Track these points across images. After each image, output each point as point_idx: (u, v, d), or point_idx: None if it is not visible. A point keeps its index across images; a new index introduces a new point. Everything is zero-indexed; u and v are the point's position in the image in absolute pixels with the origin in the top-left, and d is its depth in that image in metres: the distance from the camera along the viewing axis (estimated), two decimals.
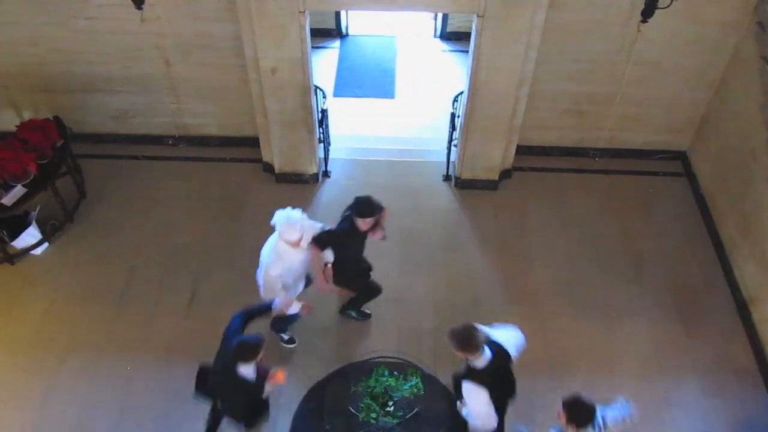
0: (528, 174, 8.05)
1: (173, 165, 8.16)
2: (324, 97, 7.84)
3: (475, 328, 4.51)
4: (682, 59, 7.18)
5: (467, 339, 4.48)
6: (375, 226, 5.56)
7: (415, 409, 4.95)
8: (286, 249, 5.38)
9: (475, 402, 4.53)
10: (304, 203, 7.62)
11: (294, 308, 5.50)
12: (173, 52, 7.35)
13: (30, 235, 7.00)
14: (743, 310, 6.61)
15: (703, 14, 6.75)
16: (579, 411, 4.36)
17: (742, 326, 6.56)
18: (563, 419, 4.39)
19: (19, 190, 6.73)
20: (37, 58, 7.49)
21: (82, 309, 6.60)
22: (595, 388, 6.02)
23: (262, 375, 4.81)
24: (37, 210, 7.10)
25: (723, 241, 7.16)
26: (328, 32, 10.31)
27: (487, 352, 4.51)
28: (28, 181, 6.77)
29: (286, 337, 6.28)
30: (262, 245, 5.68)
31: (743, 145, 6.86)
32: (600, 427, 4.43)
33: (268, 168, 7.94)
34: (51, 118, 7.32)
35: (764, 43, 6.43)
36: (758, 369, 6.25)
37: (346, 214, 5.57)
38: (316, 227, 5.57)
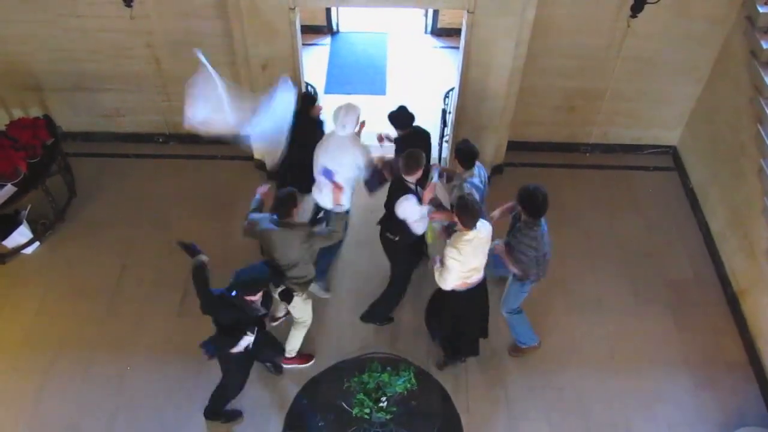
0: (519, 170, 8.07)
1: (164, 163, 8.14)
2: (315, 93, 7.83)
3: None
4: (672, 54, 7.21)
5: None
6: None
7: (409, 405, 4.96)
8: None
9: None
10: None
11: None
12: (163, 49, 7.32)
13: (21, 235, 6.97)
14: (733, 302, 6.65)
15: (692, 9, 6.78)
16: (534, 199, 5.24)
17: (732, 319, 6.61)
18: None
19: (9, 189, 6.69)
20: (27, 56, 7.45)
21: (74, 308, 6.58)
22: (587, 383, 6.09)
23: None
24: (28, 209, 7.06)
25: (713, 235, 7.20)
26: (319, 29, 10.29)
27: None
28: (18, 180, 6.74)
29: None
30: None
31: (733, 139, 6.90)
32: None
33: (260, 165, 7.92)
34: (41, 117, 7.29)
35: (753, 37, 6.46)
36: (748, 361, 6.30)
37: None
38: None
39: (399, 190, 5.63)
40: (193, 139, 8.21)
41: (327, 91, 9.27)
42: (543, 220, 5.41)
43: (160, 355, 6.23)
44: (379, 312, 6.44)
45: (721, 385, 6.13)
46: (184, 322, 6.46)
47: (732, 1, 6.69)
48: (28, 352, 6.24)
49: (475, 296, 5.56)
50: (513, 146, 7.86)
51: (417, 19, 10.58)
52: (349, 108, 5.89)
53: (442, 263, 5.19)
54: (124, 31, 7.08)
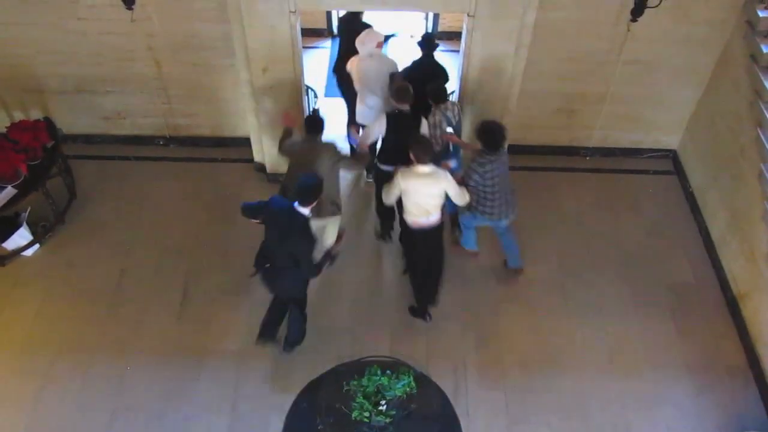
0: (519, 173, 8.03)
1: (165, 166, 8.14)
2: (315, 96, 7.85)
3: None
4: (672, 58, 7.22)
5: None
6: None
7: (408, 408, 4.96)
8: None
9: None
10: None
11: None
12: (164, 52, 7.33)
13: (21, 237, 6.97)
14: (733, 306, 6.65)
15: (692, 13, 6.79)
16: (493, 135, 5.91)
17: (732, 323, 6.60)
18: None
19: (9, 192, 6.69)
20: (28, 58, 7.46)
21: (74, 310, 6.58)
22: (587, 386, 6.09)
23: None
24: (28, 211, 7.07)
25: (713, 239, 7.20)
26: (320, 32, 10.31)
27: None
28: (18, 182, 6.74)
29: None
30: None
31: (733, 143, 6.91)
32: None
33: (260, 168, 7.93)
34: (42, 119, 7.30)
35: (753, 41, 6.47)
36: (748, 365, 6.29)
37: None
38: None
39: (400, 121, 6.26)
40: (194, 141, 8.28)
41: (327, 94, 9.26)
42: (499, 161, 6.02)
43: (159, 357, 6.23)
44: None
45: (721, 389, 6.12)
46: (183, 325, 6.47)
47: (732, 5, 6.70)
48: (28, 354, 6.24)
49: (427, 241, 6.10)
50: (513, 150, 7.82)
51: (417, 22, 10.58)
52: (369, 31, 6.91)
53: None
54: (125, 33, 7.09)
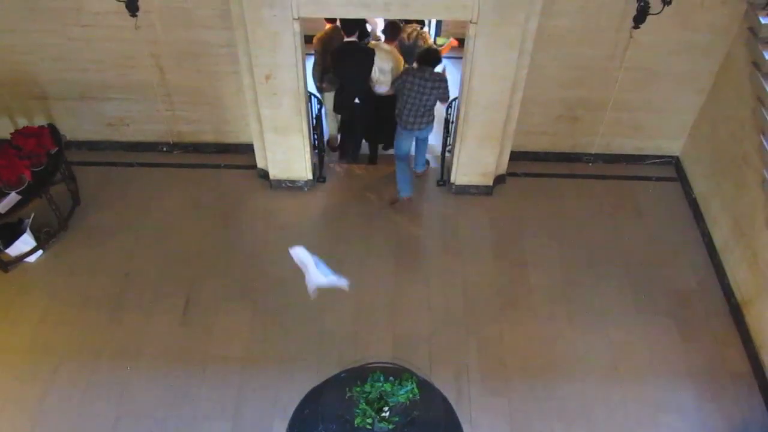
0: (522, 179, 8.08)
1: (168, 172, 8.16)
2: (319, 104, 7.86)
3: None
4: (674, 65, 7.23)
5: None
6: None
7: (411, 415, 4.94)
8: None
9: None
10: (299, 209, 7.65)
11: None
12: (167, 59, 7.36)
13: (24, 243, 6.98)
14: (737, 313, 6.64)
15: (694, 20, 6.80)
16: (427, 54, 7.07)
17: (736, 330, 6.59)
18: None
19: (13, 198, 6.71)
20: (32, 65, 7.49)
21: (77, 316, 6.58)
22: (590, 393, 6.08)
23: None
24: (32, 217, 7.09)
25: (716, 245, 7.19)
26: None
27: None
28: (22, 188, 6.76)
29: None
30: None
31: (735, 150, 6.91)
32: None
33: (263, 174, 7.94)
34: (46, 126, 7.31)
35: (755, 48, 6.48)
36: (752, 372, 6.27)
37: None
38: None
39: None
40: (197, 148, 8.30)
41: None
42: (419, 78, 6.97)
43: (163, 363, 6.23)
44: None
45: (725, 396, 6.10)
46: (187, 330, 6.47)
47: (734, 12, 6.71)
48: (32, 360, 6.24)
49: (369, 101, 7.60)
50: (516, 156, 7.88)
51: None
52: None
53: None
54: (128, 40, 7.12)
